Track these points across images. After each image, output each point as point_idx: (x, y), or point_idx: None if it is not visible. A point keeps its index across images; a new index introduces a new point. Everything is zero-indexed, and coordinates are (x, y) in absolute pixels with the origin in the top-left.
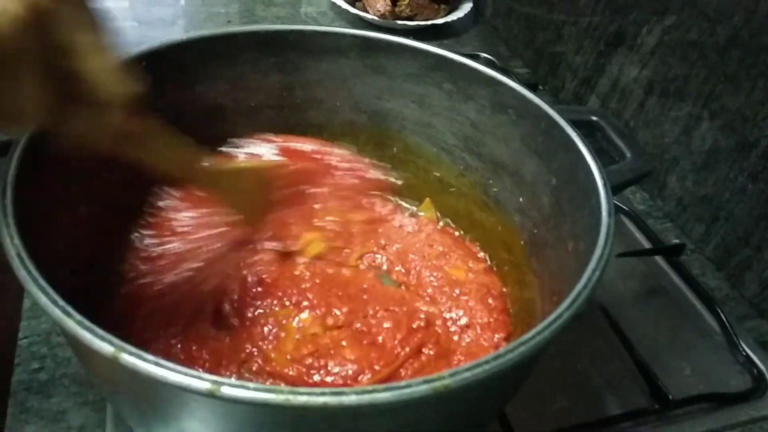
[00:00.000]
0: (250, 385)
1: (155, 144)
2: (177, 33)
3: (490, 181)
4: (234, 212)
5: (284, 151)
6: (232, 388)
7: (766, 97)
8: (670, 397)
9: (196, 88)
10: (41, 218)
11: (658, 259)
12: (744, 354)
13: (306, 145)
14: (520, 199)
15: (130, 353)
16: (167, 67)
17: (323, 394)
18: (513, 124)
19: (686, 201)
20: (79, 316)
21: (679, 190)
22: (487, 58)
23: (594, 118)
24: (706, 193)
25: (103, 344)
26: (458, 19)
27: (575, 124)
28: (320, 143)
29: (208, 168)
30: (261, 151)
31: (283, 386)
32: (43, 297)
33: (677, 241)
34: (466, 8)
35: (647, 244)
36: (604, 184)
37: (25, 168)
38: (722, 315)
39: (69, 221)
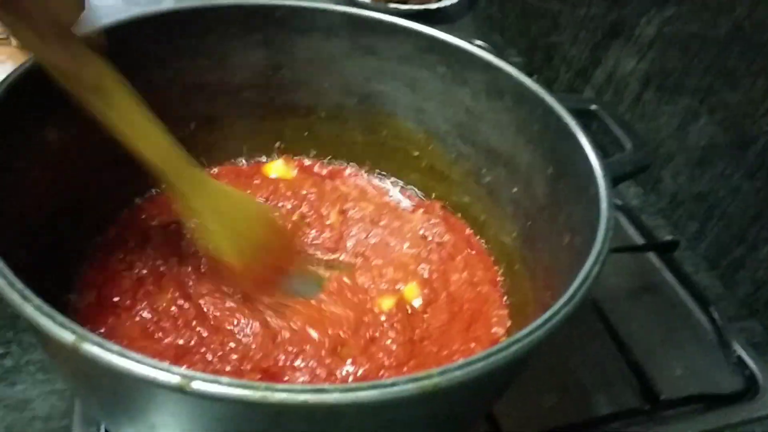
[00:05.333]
0: (224, 379)
1: (124, 106)
2: None
3: (483, 170)
4: (208, 241)
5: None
6: (204, 383)
7: (767, 93)
8: (662, 397)
9: (177, 63)
10: (1, 193)
11: (651, 255)
12: (736, 355)
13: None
14: (514, 189)
15: (93, 342)
16: (146, 41)
17: (303, 391)
18: (509, 111)
19: (680, 197)
20: (38, 301)
21: (673, 186)
22: (481, 46)
23: (593, 107)
24: (701, 190)
25: (64, 332)
26: (452, 4)
27: (573, 113)
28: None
29: (193, 172)
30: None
31: (259, 382)
32: None
33: (670, 237)
34: None
35: (640, 240)
36: (604, 175)
37: None
38: (714, 315)
39: (34, 200)
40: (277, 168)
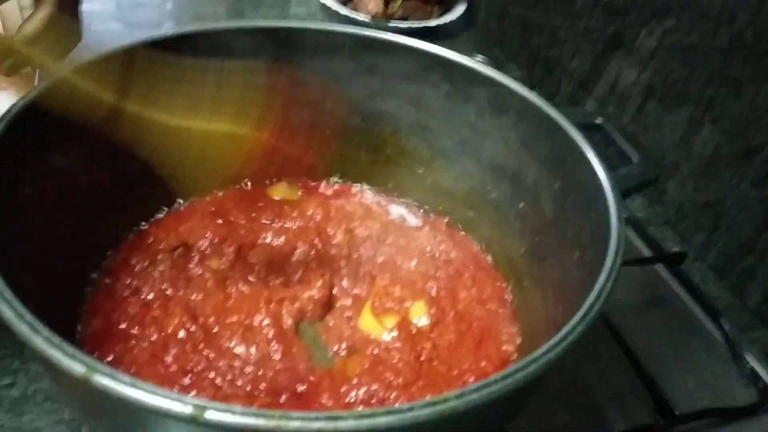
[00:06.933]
0: (237, 408)
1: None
2: None
3: (489, 186)
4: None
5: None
6: (218, 413)
7: None
8: (676, 412)
9: (181, 87)
10: (9, 222)
11: (659, 267)
12: (748, 366)
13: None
14: (521, 205)
15: (104, 373)
16: (150, 65)
17: (318, 419)
18: (513, 127)
19: (687, 208)
20: (47, 332)
21: (679, 197)
22: (481, 60)
23: (598, 121)
24: (708, 200)
25: (74, 363)
26: (451, 21)
27: (578, 127)
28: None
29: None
30: None
31: (273, 410)
32: (8, 311)
33: (677, 248)
34: (459, 10)
35: (647, 252)
36: (613, 189)
37: None
38: (725, 326)
39: (41, 227)
40: (281, 189)
